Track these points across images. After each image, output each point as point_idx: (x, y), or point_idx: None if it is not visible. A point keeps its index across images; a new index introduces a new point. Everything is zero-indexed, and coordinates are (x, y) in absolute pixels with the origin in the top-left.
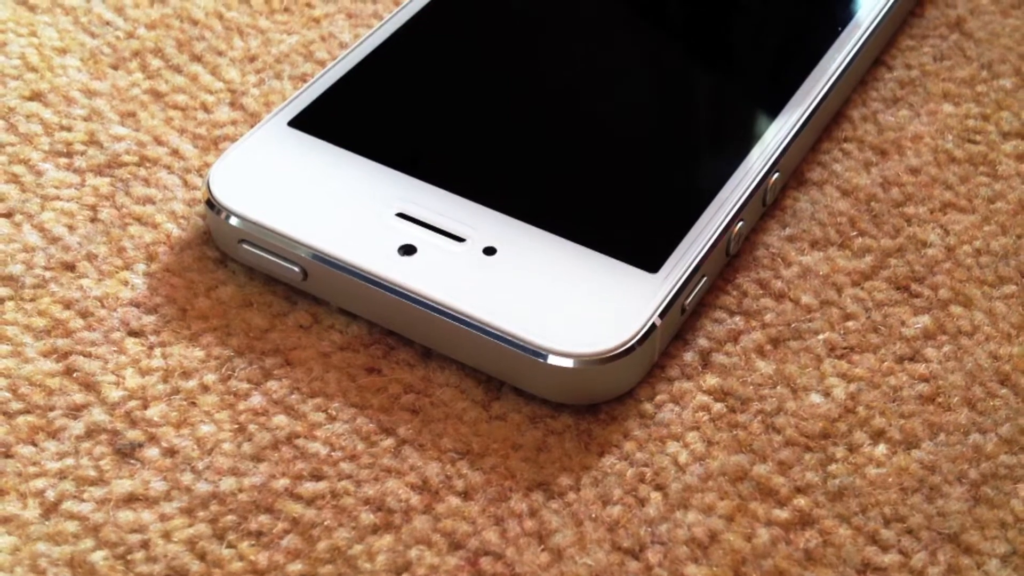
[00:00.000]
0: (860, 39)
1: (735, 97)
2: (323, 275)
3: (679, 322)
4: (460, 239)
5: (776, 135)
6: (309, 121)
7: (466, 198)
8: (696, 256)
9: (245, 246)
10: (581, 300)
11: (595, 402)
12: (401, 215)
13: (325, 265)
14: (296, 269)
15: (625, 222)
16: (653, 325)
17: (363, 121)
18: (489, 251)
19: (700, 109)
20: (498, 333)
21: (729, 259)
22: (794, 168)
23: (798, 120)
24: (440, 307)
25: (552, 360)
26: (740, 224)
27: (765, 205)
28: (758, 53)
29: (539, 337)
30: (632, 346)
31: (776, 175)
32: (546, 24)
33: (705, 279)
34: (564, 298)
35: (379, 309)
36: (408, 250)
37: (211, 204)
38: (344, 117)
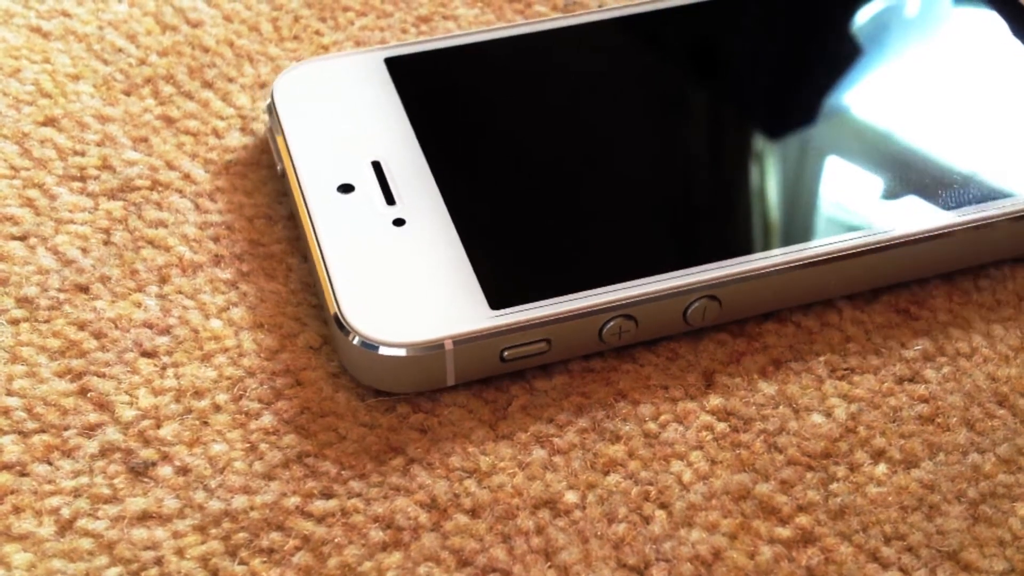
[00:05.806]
0: (870, 246)
1: (701, 215)
2: (288, 179)
3: (496, 366)
4: (392, 202)
5: (720, 269)
6: (398, 65)
7: (433, 174)
8: (539, 320)
9: (266, 120)
10: (420, 296)
11: (374, 388)
12: (374, 163)
13: (287, 170)
14: (279, 166)
15: (513, 256)
16: (441, 345)
17: (431, 84)
18: (398, 222)
19: (658, 206)
20: (329, 282)
21: (607, 347)
22: (757, 304)
23: (756, 270)
24: (313, 242)
25: (346, 332)
26: (624, 321)
27: (688, 324)
28: (754, 196)
29: (347, 305)
30: (407, 353)
31: (704, 301)
32: (599, 88)
33: (547, 345)
34: (410, 285)
35: (301, 232)
36: (345, 189)
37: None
38: (421, 74)
